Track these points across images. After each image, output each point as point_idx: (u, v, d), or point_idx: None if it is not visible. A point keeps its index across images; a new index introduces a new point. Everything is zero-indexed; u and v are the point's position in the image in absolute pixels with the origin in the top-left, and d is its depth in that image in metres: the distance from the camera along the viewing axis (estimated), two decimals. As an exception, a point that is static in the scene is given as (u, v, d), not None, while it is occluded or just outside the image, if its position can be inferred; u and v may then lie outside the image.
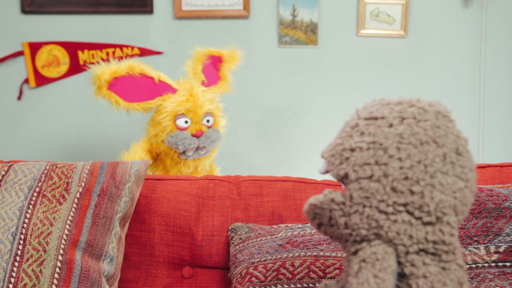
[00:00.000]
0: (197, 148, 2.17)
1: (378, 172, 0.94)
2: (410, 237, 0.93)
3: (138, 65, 2.11)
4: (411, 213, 0.93)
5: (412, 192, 0.93)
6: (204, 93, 2.17)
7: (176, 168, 2.23)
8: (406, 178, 0.93)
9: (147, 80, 2.15)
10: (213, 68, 2.26)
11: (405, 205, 0.93)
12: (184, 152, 2.17)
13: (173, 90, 2.17)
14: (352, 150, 0.97)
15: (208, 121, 2.18)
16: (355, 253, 0.95)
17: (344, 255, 1.12)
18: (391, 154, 0.95)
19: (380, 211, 0.93)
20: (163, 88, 2.17)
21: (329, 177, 1.05)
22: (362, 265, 0.91)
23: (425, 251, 0.94)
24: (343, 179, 0.98)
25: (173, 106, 2.13)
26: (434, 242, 0.94)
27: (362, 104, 1.05)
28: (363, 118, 1.00)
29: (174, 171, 2.24)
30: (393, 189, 0.93)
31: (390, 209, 0.93)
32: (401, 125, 0.96)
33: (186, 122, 2.14)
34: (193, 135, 2.14)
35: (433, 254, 0.94)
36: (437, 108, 1.00)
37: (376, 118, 0.99)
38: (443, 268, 0.94)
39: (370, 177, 0.95)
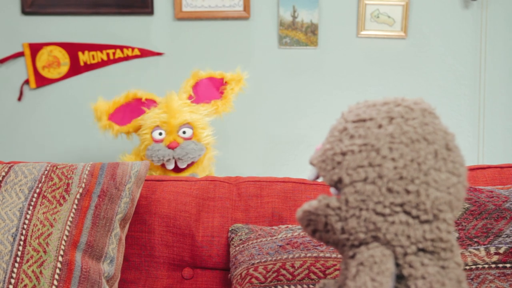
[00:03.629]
0: (176, 161, 2.15)
1: (372, 174, 0.94)
2: (408, 237, 0.93)
3: (133, 92, 2.22)
4: (408, 213, 0.93)
5: (407, 192, 0.93)
6: (182, 105, 2.17)
7: None
8: (401, 177, 0.93)
9: (136, 102, 2.22)
10: (212, 86, 2.26)
11: (401, 205, 0.93)
12: (163, 165, 2.16)
13: (156, 104, 2.19)
14: (344, 154, 0.97)
15: (184, 132, 2.16)
16: (353, 256, 0.95)
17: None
18: (384, 154, 0.94)
19: (377, 213, 0.93)
20: (148, 105, 2.21)
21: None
22: (359, 268, 0.91)
23: (423, 250, 0.94)
24: (337, 183, 0.98)
25: (150, 119, 2.15)
26: (432, 240, 0.94)
27: (346, 108, 1.04)
28: (351, 121, 0.99)
29: None
30: (389, 190, 0.93)
31: (387, 211, 0.93)
32: (391, 125, 0.96)
33: (160, 134, 2.15)
34: (168, 147, 2.13)
35: (432, 252, 0.94)
36: (423, 106, 1.00)
37: (364, 120, 0.98)
38: (442, 267, 0.94)
39: (365, 180, 0.94)
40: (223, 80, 2.26)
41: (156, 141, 2.15)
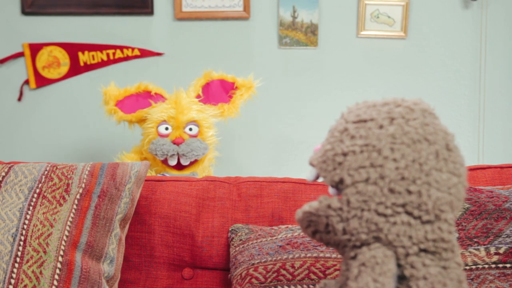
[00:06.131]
0: (179, 158, 2.16)
1: (374, 175, 0.94)
2: (410, 238, 0.93)
3: (145, 84, 2.24)
4: (410, 213, 0.93)
5: (409, 192, 0.93)
6: (191, 103, 2.18)
7: None
8: (403, 178, 0.93)
9: (146, 94, 2.24)
10: (221, 89, 2.27)
11: (403, 205, 0.93)
12: (165, 161, 2.16)
13: (164, 100, 2.20)
14: (345, 154, 0.97)
15: (190, 129, 2.17)
16: (354, 257, 0.95)
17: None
18: (385, 155, 0.94)
19: (379, 214, 0.93)
20: (156, 99, 2.22)
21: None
22: (361, 269, 0.91)
23: (425, 250, 0.94)
24: (338, 184, 0.97)
25: (157, 113, 2.16)
26: (434, 241, 0.94)
27: (346, 108, 1.04)
28: (351, 121, 0.99)
29: None
30: (391, 191, 0.93)
31: (389, 211, 0.93)
32: (392, 125, 0.96)
33: (166, 128, 2.16)
34: (173, 142, 2.14)
35: (433, 253, 0.94)
36: (423, 106, 1.00)
37: (365, 121, 0.98)
38: (443, 267, 0.94)
39: (367, 180, 0.94)
40: (234, 85, 2.26)
41: (162, 136, 2.16)
